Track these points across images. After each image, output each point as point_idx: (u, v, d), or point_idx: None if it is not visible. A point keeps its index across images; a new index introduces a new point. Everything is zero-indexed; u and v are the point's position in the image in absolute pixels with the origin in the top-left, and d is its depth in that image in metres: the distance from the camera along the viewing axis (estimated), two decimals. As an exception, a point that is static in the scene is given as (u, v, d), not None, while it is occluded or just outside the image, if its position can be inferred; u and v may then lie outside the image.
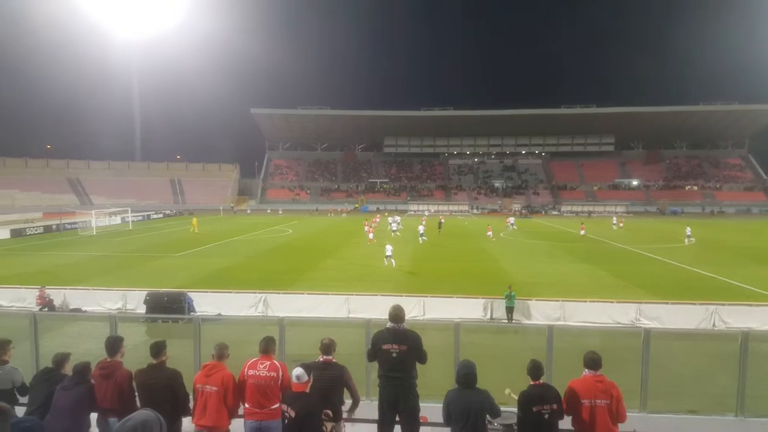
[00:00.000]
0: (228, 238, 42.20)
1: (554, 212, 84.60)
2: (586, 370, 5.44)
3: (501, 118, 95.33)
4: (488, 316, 18.05)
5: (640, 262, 30.76)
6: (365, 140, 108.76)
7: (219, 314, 17.12)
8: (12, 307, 19.12)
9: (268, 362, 5.74)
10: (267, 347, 5.89)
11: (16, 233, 45.95)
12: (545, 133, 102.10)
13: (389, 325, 6.06)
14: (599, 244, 40.19)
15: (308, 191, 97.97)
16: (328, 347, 5.92)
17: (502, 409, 5.73)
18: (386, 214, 67.29)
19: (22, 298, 19.58)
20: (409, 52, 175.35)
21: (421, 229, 41.12)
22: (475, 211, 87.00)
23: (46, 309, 18.03)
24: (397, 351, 5.82)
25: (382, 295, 19.26)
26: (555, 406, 5.26)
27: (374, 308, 17.02)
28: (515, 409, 5.75)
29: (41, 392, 6.04)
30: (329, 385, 5.44)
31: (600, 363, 5.42)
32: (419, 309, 18.02)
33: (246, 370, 5.70)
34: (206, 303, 18.26)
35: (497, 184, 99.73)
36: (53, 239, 43.61)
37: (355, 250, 35.57)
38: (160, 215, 70.34)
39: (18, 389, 6.33)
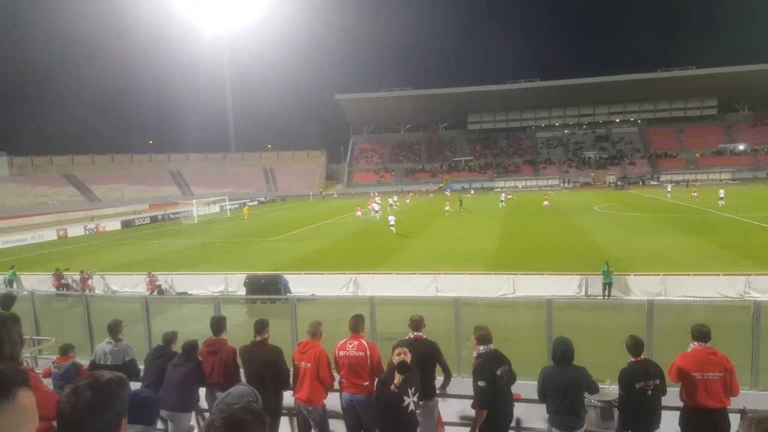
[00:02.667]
0: (318, 222, 43.53)
1: (653, 182, 78.79)
2: (695, 343, 5.12)
3: (592, 86, 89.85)
4: (583, 293, 17.23)
5: (749, 232, 27.96)
6: (448, 118, 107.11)
7: (313, 294, 17.73)
8: (126, 291, 20.94)
9: (357, 342, 5.82)
10: (356, 325, 5.97)
11: (126, 224, 50.46)
12: (641, 99, 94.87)
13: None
14: (703, 214, 36.94)
15: (393, 173, 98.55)
16: (417, 323, 5.89)
17: (601, 386, 5.51)
18: (372, 194, 66.14)
19: (135, 284, 21.40)
20: (489, 25, 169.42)
21: (391, 219, 36.14)
22: (566, 185, 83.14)
23: (156, 293, 19.60)
24: None
25: (470, 274, 19.01)
26: (658, 382, 5.04)
27: (463, 286, 16.82)
28: (611, 386, 5.48)
29: (154, 368, 6.53)
30: (421, 360, 5.40)
31: (709, 335, 5.11)
32: (509, 287, 17.57)
33: (337, 351, 5.84)
34: (300, 284, 18.97)
35: (590, 155, 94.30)
36: (159, 228, 47.35)
37: (441, 229, 35.35)
38: (255, 202, 74.09)
39: (127, 364, 6.88)
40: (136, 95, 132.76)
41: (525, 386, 6.14)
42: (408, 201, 61.56)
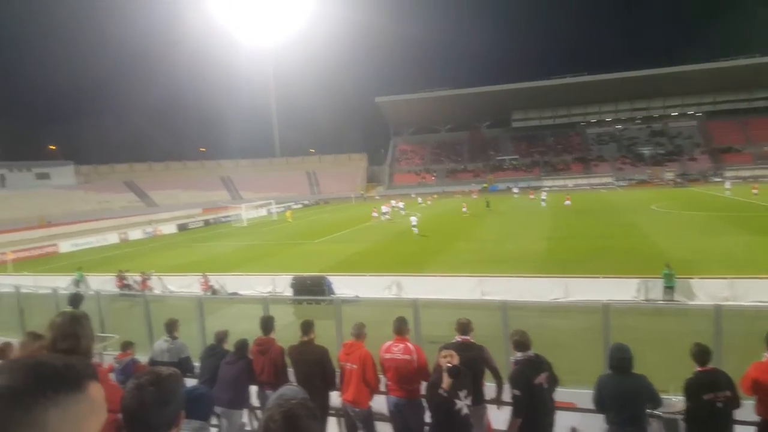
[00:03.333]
0: (359, 225, 43.80)
1: (716, 179, 74.76)
2: None
3: (645, 78, 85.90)
4: (642, 297, 16.52)
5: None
6: (491, 117, 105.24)
7: (356, 296, 17.84)
8: (182, 291, 21.70)
9: (402, 345, 5.79)
10: (400, 327, 5.94)
11: (182, 227, 52.42)
12: (700, 90, 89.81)
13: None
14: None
15: (434, 174, 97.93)
16: (464, 327, 5.78)
17: (664, 396, 5.24)
18: (381, 200, 65.21)
19: (189, 284, 22.16)
20: (532, 18, 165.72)
21: (413, 220, 36.25)
22: (620, 182, 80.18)
23: (209, 293, 20.23)
24: None
25: (517, 277, 18.62)
26: (729, 394, 4.68)
27: (510, 290, 16.50)
28: (675, 397, 5.20)
29: (208, 366, 6.78)
30: (468, 365, 5.33)
31: None
32: (561, 290, 17.06)
33: (383, 353, 5.83)
34: (344, 285, 19.12)
35: (645, 151, 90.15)
36: (211, 231, 48.85)
37: (487, 231, 34.87)
38: (299, 205, 75.38)
39: (182, 361, 7.15)
40: (188, 105, 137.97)
41: (580, 395, 5.98)
42: (429, 203, 61.57)
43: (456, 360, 4.79)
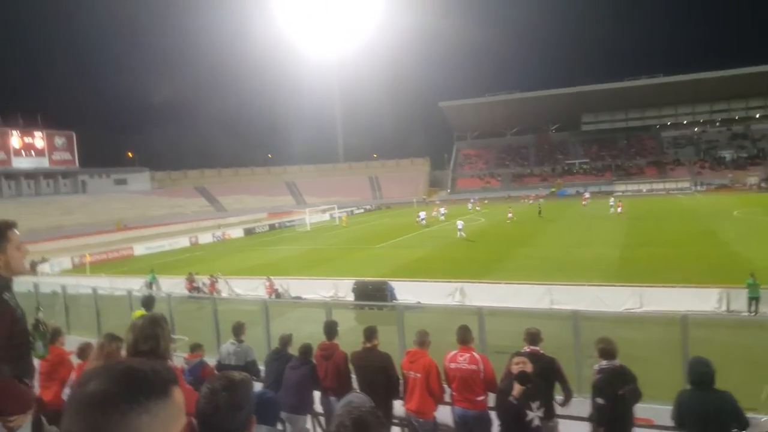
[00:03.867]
0: (421, 229, 43.58)
1: (808, 183, 68.75)
2: None
3: (725, 79, 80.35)
4: (724, 308, 15.35)
5: None
6: (560, 120, 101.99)
7: (418, 302, 17.66)
8: (248, 294, 22.34)
9: (468, 354, 5.62)
10: (464, 336, 5.77)
11: (248, 231, 54.18)
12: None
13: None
14: None
15: (499, 178, 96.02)
16: (534, 336, 5.55)
17: (750, 415, 4.76)
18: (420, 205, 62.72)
19: (255, 287, 22.78)
20: (600, 18, 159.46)
21: (459, 224, 36.85)
22: (699, 187, 75.39)
23: (273, 296, 20.69)
24: None
25: (588, 285, 17.82)
26: None
27: (581, 299, 15.80)
28: (765, 417, 4.73)
29: (274, 370, 6.82)
30: (537, 376, 5.08)
31: None
32: (635, 300, 16.17)
33: (448, 363, 5.66)
34: (405, 291, 19.01)
35: (725, 155, 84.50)
36: (276, 236, 50.21)
37: (555, 237, 33.70)
38: (362, 210, 76.08)
39: (248, 365, 7.26)
40: (256, 113, 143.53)
41: (656, 411, 5.63)
42: (478, 208, 59.77)
43: (529, 368, 4.60)
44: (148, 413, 0.96)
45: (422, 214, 48.29)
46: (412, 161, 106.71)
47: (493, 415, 5.34)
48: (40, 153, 69.96)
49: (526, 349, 5.55)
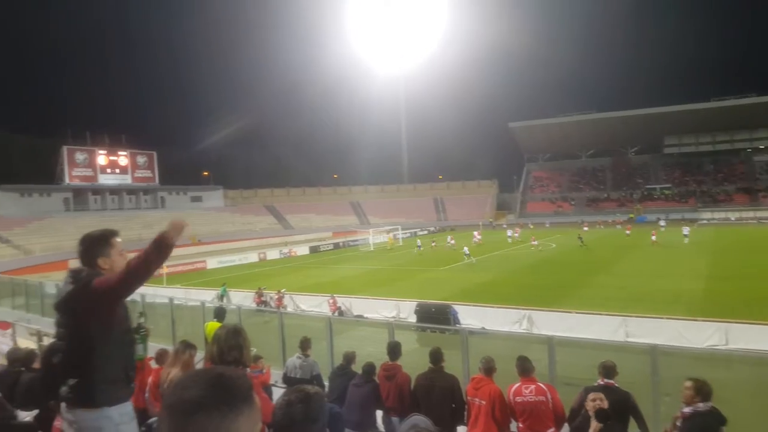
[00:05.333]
0: (488, 253, 42.68)
1: None
2: None
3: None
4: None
5: None
6: (639, 142, 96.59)
7: (483, 328, 17.18)
8: (312, 311, 22.67)
9: (533, 386, 5.38)
10: (525, 366, 5.53)
11: (313, 249, 55.42)
12: None
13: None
14: None
15: (572, 202, 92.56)
16: (609, 370, 5.25)
17: None
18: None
19: (318, 304, 23.10)
20: (685, 32, 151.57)
21: (465, 249, 39.01)
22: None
23: (336, 314, 20.86)
24: None
25: (668, 318, 16.68)
26: None
27: (659, 333, 14.79)
28: None
29: (338, 386, 6.89)
30: (613, 411, 4.75)
31: None
32: (720, 336, 14.93)
33: (512, 397, 5.42)
34: (469, 316, 18.59)
35: (828, 181, 77.08)
36: (340, 254, 50.96)
37: (633, 265, 31.93)
38: (425, 232, 75.77)
39: (314, 379, 7.32)
40: (324, 134, 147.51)
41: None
42: (517, 235, 55.36)
43: (606, 404, 4.31)
44: (242, 415, 1.05)
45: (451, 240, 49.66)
46: (479, 183, 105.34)
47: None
48: (123, 170, 75.33)
49: (600, 382, 5.25)
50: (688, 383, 4.64)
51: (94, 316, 2.76)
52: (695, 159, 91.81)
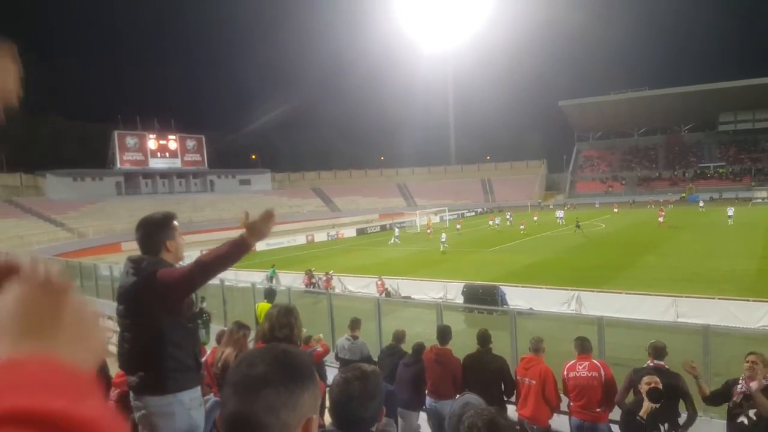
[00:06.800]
0: (535, 234, 42.10)
1: None
2: None
3: None
4: None
5: None
6: (693, 119, 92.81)
7: (530, 308, 17.21)
8: (360, 292, 23.10)
9: (587, 362, 5.51)
10: (583, 345, 5.66)
11: (360, 231, 56.02)
12: None
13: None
14: None
15: (623, 182, 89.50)
16: (659, 351, 5.31)
17: None
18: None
19: (366, 285, 23.51)
20: (740, 5, 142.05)
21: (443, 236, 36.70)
22: None
23: (384, 295, 21.25)
24: None
25: (719, 299, 16.23)
26: None
27: (711, 313, 14.45)
28: None
29: (388, 365, 7.11)
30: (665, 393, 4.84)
31: None
32: (773, 316, 14.50)
33: (566, 372, 5.59)
34: (517, 297, 18.59)
35: None
36: (387, 237, 51.21)
37: (683, 246, 30.92)
38: (473, 213, 75.20)
39: (363, 359, 7.60)
40: (370, 116, 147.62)
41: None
42: (535, 218, 52.20)
43: (660, 385, 4.42)
44: (307, 390, 1.08)
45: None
46: (528, 163, 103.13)
47: (615, 428, 5.19)
48: (173, 154, 77.32)
49: (650, 363, 5.31)
50: (752, 357, 4.63)
51: (162, 308, 2.73)
52: (751, 136, 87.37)
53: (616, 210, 59.96)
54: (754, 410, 4.43)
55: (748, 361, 4.55)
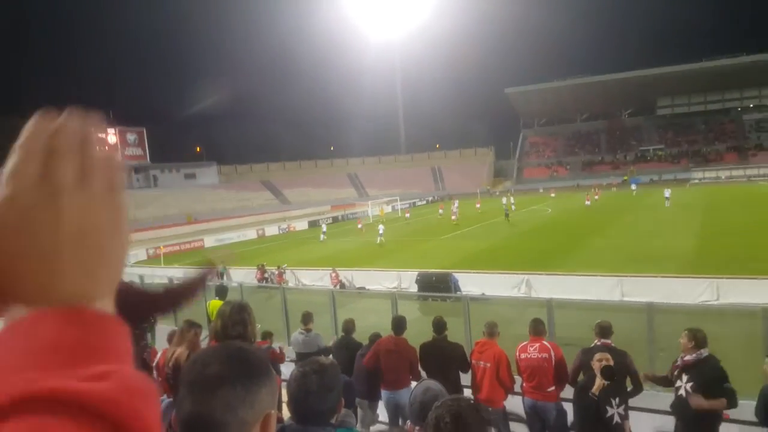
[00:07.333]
0: (486, 221, 42.96)
1: None
2: None
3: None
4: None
5: None
6: (633, 104, 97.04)
7: (483, 294, 17.52)
8: (314, 285, 22.91)
9: (538, 344, 5.62)
10: (537, 328, 5.77)
11: (312, 224, 55.27)
12: None
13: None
14: None
15: (567, 166, 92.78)
16: (605, 330, 5.48)
17: None
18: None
19: (320, 278, 23.32)
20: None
21: (380, 228, 35.12)
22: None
23: (338, 287, 21.12)
24: None
25: (662, 277, 17.03)
26: None
27: (654, 291, 15.13)
28: None
29: (342, 357, 7.05)
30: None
31: None
32: (711, 292, 15.31)
33: (518, 354, 5.69)
34: (470, 283, 18.84)
35: (816, 139, 77.65)
36: (339, 228, 51.03)
37: (628, 228, 32.31)
38: (424, 202, 75.94)
39: (321, 352, 7.51)
40: (318, 106, 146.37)
41: (739, 406, 5.41)
42: (478, 206, 52.73)
43: (612, 362, 4.56)
44: (264, 386, 1.07)
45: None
46: (476, 151, 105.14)
47: (566, 407, 5.31)
48: (112, 149, 74.38)
49: (597, 342, 5.47)
50: (683, 332, 4.89)
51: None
52: (687, 119, 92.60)
53: (553, 195, 62.03)
54: (690, 383, 4.65)
55: (599, 360, 4.76)
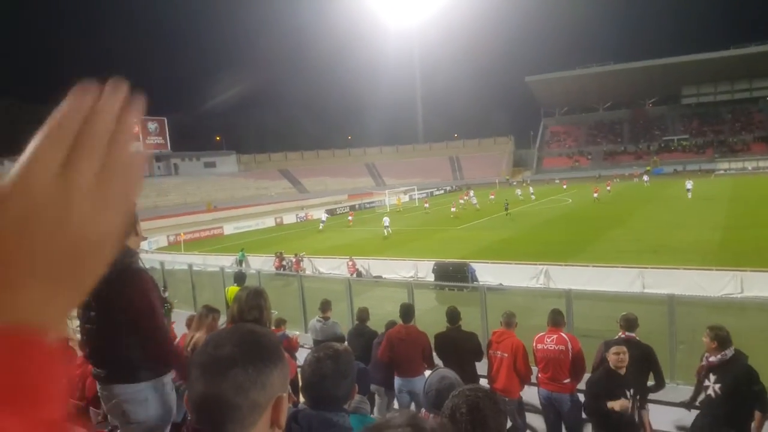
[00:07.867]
0: (504, 211, 42.47)
1: None
2: None
3: None
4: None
5: None
6: (657, 93, 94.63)
7: (500, 284, 17.39)
8: (330, 273, 22.98)
9: (556, 335, 5.55)
10: (556, 319, 5.68)
11: (330, 212, 55.51)
12: None
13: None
14: None
15: (589, 156, 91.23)
16: (631, 323, 5.36)
17: None
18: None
19: (337, 266, 23.41)
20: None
21: (386, 221, 34.27)
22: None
23: (355, 275, 21.18)
24: None
25: (684, 269, 16.71)
26: None
27: (676, 283, 14.87)
28: None
29: (357, 345, 7.08)
30: (633, 364, 4.90)
31: None
32: (735, 285, 15.02)
33: (535, 344, 5.63)
34: (487, 273, 18.73)
35: None
36: (356, 217, 50.98)
37: (649, 219, 31.73)
38: (441, 191, 75.56)
39: (338, 340, 7.54)
40: (336, 95, 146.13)
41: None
42: (491, 197, 52.44)
43: (626, 357, 4.47)
44: (276, 368, 1.08)
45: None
46: (495, 140, 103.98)
47: (581, 397, 5.25)
48: (134, 138, 75.59)
49: (621, 335, 5.36)
50: (706, 330, 4.76)
51: (131, 311, 2.68)
52: (713, 109, 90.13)
53: (564, 186, 61.16)
54: (718, 384, 4.53)
55: (616, 353, 4.65)
